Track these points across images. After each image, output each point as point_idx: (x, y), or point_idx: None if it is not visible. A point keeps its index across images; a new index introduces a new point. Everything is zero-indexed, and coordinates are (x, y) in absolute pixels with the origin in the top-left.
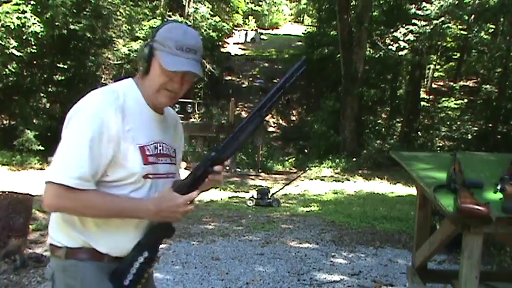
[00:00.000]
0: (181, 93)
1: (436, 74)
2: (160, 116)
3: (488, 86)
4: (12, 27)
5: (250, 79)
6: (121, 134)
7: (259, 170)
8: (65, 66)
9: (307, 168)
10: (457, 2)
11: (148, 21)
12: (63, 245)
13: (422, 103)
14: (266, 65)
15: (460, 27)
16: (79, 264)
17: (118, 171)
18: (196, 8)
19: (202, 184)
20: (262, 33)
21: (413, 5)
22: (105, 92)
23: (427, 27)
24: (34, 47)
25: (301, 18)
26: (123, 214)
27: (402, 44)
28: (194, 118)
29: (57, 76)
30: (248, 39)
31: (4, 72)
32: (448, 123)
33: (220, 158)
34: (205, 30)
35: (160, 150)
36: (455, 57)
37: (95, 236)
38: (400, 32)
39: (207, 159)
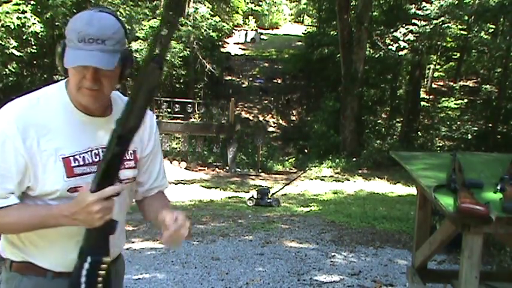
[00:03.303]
0: (107, 90)
1: (436, 74)
2: (101, 118)
3: (488, 86)
4: (12, 27)
5: (250, 79)
6: (34, 148)
7: (259, 170)
8: None
9: (307, 168)
10: (457, 2)
11: (148, 21)
12: (8, 257)
13: (422, 103)
14: (266, 65)
15: (460, 27)
16: (18, 278)
17: (40, 186)
18: (196, 8)
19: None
20: (262, 33)
21: (413, 5)
22: (15, 105)
23: (427, 27)
24: (34, 47)
25: (301, 18)
26: (44, 224)
27: (402, 44)
28: (194, 118)
29: (57, 76)
30: (248, 39)
31: (4, 72)
32: (448, 123)
33: (127, 130)
34: (205, 30)
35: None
36: (455, 57)
37: (32, 252)
38: (400, 32)
39: (111, 135)
